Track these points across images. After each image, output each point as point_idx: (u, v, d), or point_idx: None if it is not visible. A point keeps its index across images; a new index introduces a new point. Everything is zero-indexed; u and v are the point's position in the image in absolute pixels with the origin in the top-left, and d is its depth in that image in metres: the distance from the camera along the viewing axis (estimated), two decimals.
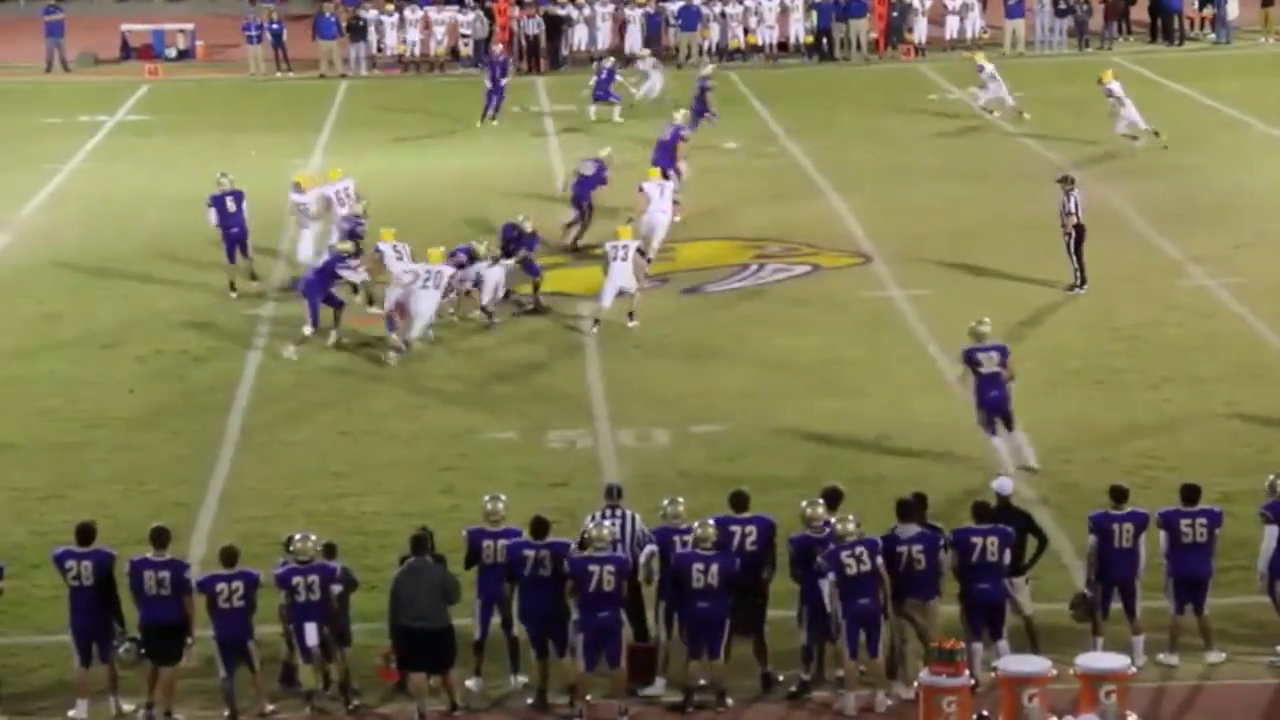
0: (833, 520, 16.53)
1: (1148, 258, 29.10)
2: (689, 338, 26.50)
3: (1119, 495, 17.03)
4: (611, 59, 42.54)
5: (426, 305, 25.84)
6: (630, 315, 26.73)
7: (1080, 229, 27.27)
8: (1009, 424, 21.04)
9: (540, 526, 16.68)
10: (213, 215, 28.67)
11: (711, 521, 16.58)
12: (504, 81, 41.76)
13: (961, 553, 16.60)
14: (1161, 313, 25.10)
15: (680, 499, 17.24)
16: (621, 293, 26.60)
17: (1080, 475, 20.90)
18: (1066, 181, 27.77)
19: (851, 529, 16.32)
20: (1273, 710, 16.27)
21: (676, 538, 16.68)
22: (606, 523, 16.73)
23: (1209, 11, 49.60)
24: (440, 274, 26.03)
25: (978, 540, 16.62)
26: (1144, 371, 23.95)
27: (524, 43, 49.05)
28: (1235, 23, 48.90)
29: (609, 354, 25.89)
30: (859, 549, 16.20)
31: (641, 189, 29.88)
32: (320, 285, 26.10)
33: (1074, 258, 27.41)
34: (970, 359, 21.15)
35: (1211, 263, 28.27)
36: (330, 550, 16.92)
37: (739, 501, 17.04)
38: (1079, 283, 27.40)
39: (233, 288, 28.73)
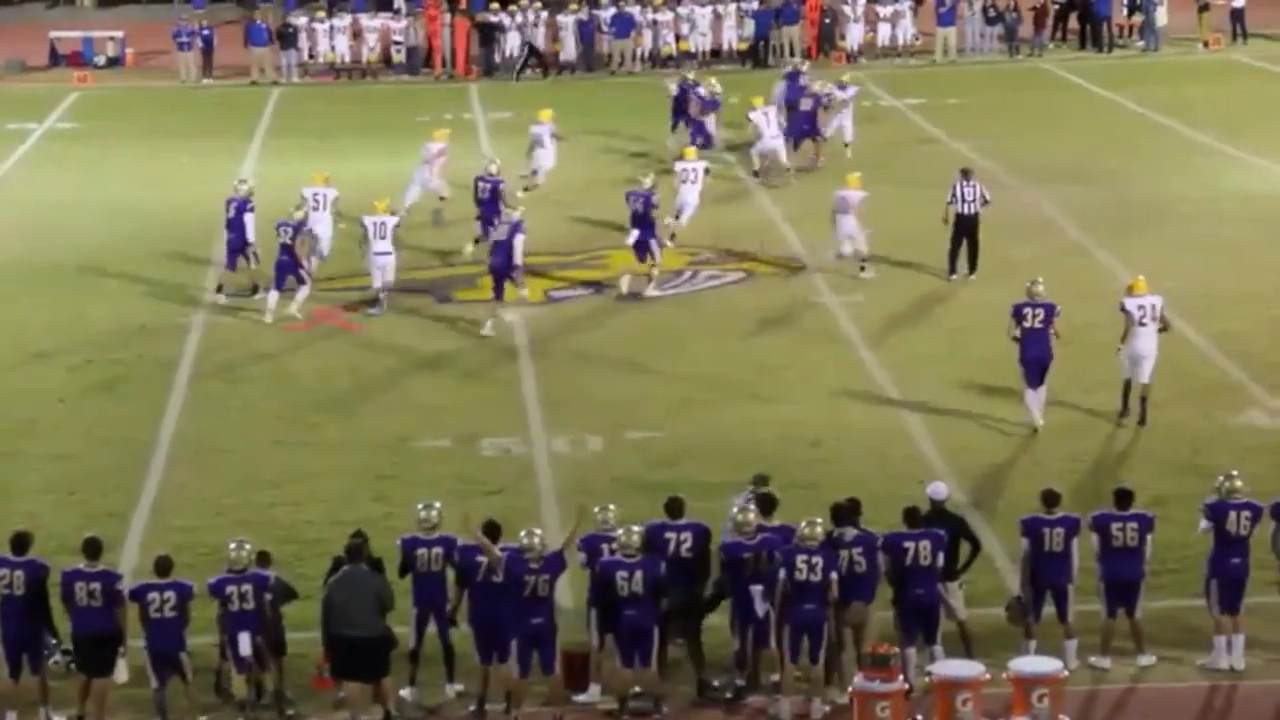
0: (798, 524, 16.51)
1: (1079, 262, 29.27)
2: (624, 344, 26.52)
3: (1050, 499, 17.14)
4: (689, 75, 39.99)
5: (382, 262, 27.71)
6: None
7: (961, 219, 28.23)
8: (1042, 378, 22.36)
9: (492, 531, 16.66)
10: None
11: (636, 529, 16.57)
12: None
13: (894, 558, 16.66)
14: (1093, 316, 25.24)
15: (611, 506, 17.24)
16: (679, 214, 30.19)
17: (1013, 479, 21.01)
18: (965, 174, 28.72)
19: (818, 533, 16.32)
20: (1203, 713, 16.39)
21: (605, 545, 16.68)
22: (538, 532, 16.70)
23: (1138, 19, 49.94)
24: (385, 224, 27.59)
25: (910, 545, 16.68)
26: (1076, 375, 24.09)
27: (451, 49, 48.99)
28: (1164, 30, 49.23)
29: (543, 360, 25.89)
30: (815, 558, 16.21)
31: (749, 118, 34.35)
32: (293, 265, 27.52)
33: (952, 246, 28.39)
34: (1018, 314, 22.49)
35: (1142, 267, 28.38)
36: (264, 559, 16.86)
37: (674, 508, 17.05)
38: (955, 270, 28.37)
39: (219, 289, 28.62)
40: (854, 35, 49.31)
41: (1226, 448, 21.61)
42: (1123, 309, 22.79)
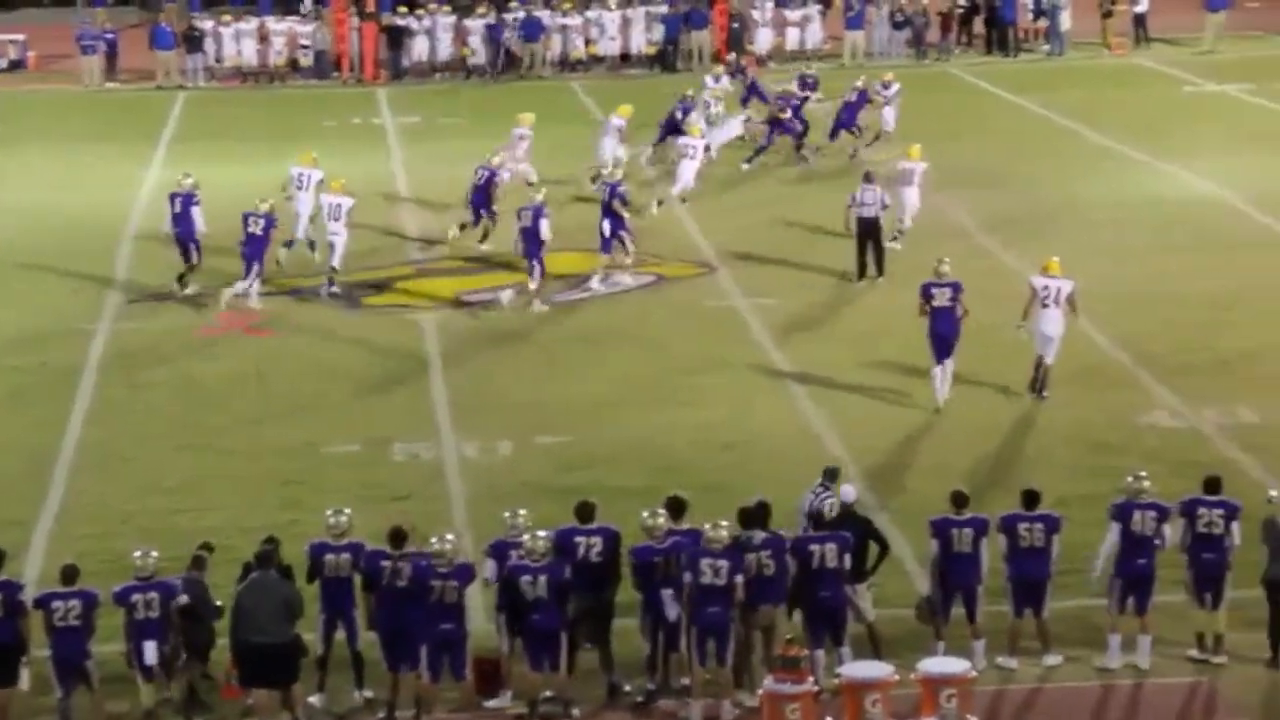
0: (703, 527, 16.50)
1: (985, 264, 29.42)
2: (535, 348, 26.46)
3: (959, 500, 17.22)
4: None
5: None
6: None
7: (862, 222, 28.41)
8: (949, 353, 23.09)
9: (398, 537, 16.56)
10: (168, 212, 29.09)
11: (542, 534, 16.53)
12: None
13: (800, 560, 16.68)
14: (1001, 318, 25.39)
15: (522, 511, 17.19)
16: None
17: (921, 481, 21.10)
18: (866, 178, 28.98)
19: (722, 536, 16.31)
20: (1109, 712, 16.50)
21: (513, 551, 16.62)
22: (450, 538, 16.63)
23: (1043, 23, 50.32)
24: (340, 206, 28.52)
25: (816, 548, 16.71)
26: (984, 377, 24.23)
27: (359, 54, 48.79)
28: (1068, 34, 49.62)
29: (453, 364, 25.80)
30: (720, 561, 16.20)
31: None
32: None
33: (859, 251, 28.55)
34: (926, 292, 23.30)
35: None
36: (199, 563, 16.78)
37: (584, 512, 17.01)
38: (864, 274, 28.56)
39: (180, 281, 28.70)
40: (762, 39, 49.42)
41: (1131, 449, 21.78)
42: (1030, 285, 23.32)
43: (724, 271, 29.82)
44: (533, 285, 28.07)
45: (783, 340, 26.36)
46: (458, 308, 28.42)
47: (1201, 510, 17.16)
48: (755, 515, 16.78)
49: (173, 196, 29.02)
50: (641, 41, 49.39)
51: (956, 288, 23.49)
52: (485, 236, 30.79)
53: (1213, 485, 17.35)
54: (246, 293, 28.05)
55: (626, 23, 49.38)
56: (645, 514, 16.85)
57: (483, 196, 30.54)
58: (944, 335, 23.30)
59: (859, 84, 37.28)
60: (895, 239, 29.75)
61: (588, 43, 49.31)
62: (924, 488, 20.69)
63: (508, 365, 25.76)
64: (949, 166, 35.82)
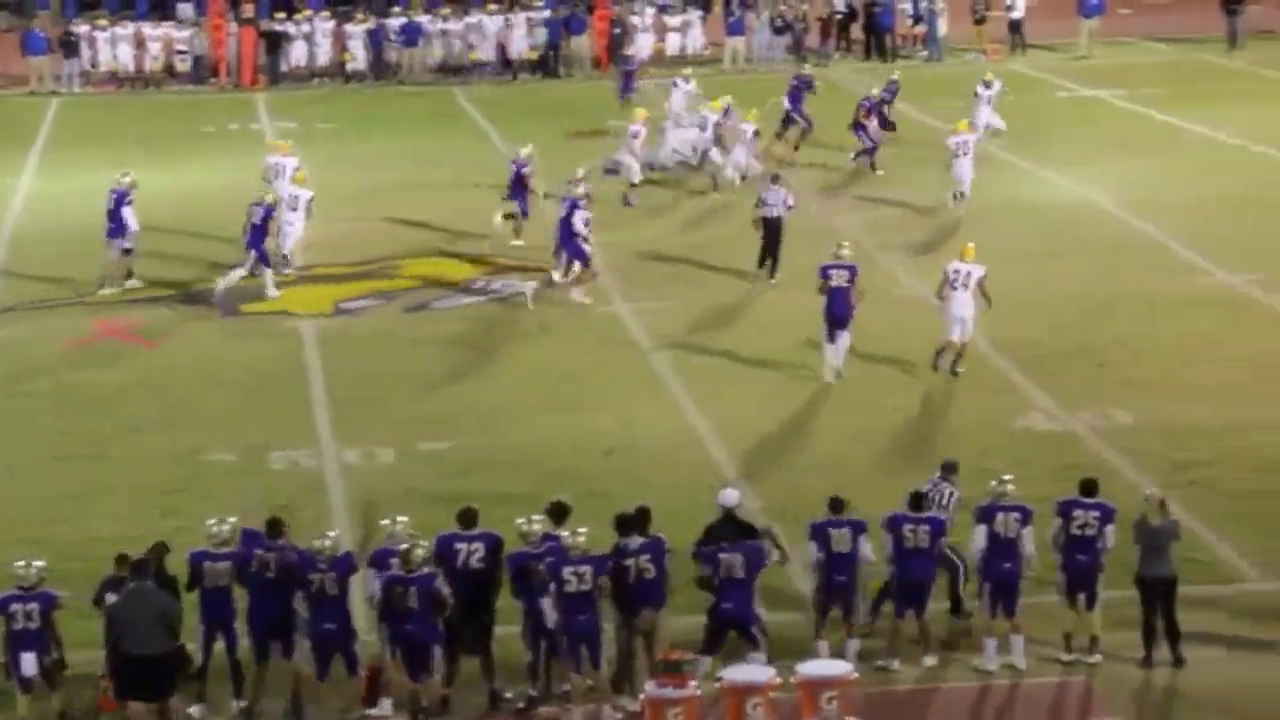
0: (561, 535, 16.56)
1: (870, 270, 29.58)
2: (415, 355, 26.38)
3: (836, 507, 17.32)
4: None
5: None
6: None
7: (767, 221, 28.87)
8: (843, 330, 24.23)
9: (274, 526, 16.53)
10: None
11: (411, 544, 16.47)
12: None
13: (714, 569, 16.73)
14: (885, 322, 25.65)
15: (402, 517, 17.14)
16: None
17: (807, 485, 21.20)
18: (773, 180, 29.63)
19: (581, 543, 16.35)
20: (985, 712, 16.66)
21: (392, 559, 16.58)
22: (331, 534, 16.59)
23: (920, 29, 50.75)
24: (299, 197, 29.56)
25: (723, 557, 16.74)
26: (870, 380, 24.45)
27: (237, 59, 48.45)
28: (946, 40, 50.09)
29: (333, 371, 25.68)
30: (582, 567, 16.24)
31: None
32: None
33: (762, 250, 28.95)
34: (824, 273, 24.37)
35: (927, 273, 28.77)
36: (158, 557, 16.62)
37: (466, 518, 16.99)
38: (762, 265, 29.03)
39: (101, 285, 28.86)
40: (643, 44, 49.54)
41: (1011, 452, 22.00)
42: (943, 269, 24.69)
43: (610, 276, 29.82)
44: (557, 277, 28.32)
45: (667, 345, 26.42)
46: (337, 315, 28.29)
47: (1077, 512, 17.36)
48: (633, 521, 16.83)
49: (110, 192, 29.30)
50: (523, 47, 49.36)
51: (854, 270, 24.58)
52: (517, 232, 31.09)
53: (1089, 487, 17.57)
54: (259, 275, 28.59)
55: (508, 28, 49.35)
56: (521, 520, 16.86)
57: (518, 189, 30.97)
58: (838, 315, 24.34)
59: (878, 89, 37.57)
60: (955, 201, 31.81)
61: (469, 47, 49.24)
62: (809, 490, 20.80)
63: (389, 372, 25.66)
64: (833, 172, 36.12)
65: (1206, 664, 17.16)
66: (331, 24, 49.21)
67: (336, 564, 16.23)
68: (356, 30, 48.89)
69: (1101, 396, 23.90)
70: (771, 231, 29.02)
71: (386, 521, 17.08)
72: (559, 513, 17.09)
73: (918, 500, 17.43)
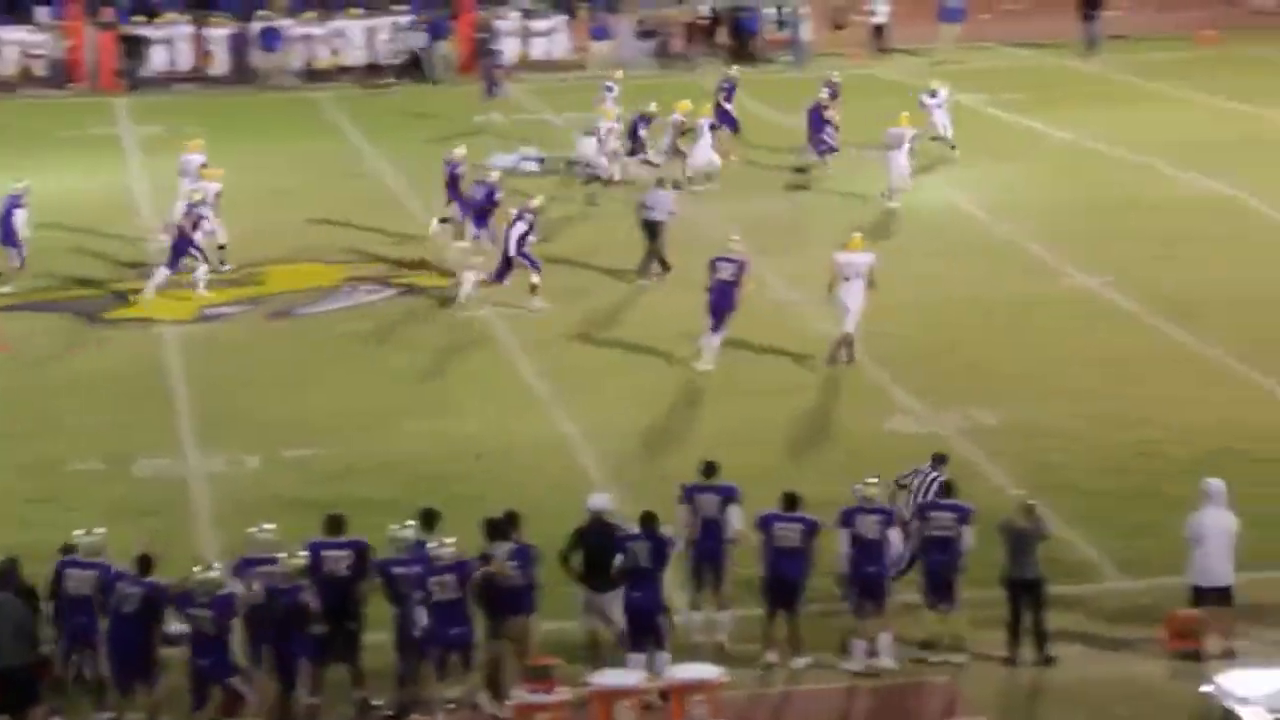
0: (429, 543, 16.51)
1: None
2: (280, 362, 26.22)
3: (708, 469, 17.38)
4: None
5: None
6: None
7: (649, 225, 29.25)
8: (723, 324, 24.83)
9: (144, 562, 16.33)
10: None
11: (301, 553, 16.37)
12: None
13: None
14: (751, 327, 25.79)
15: (270, 525, 17.02)
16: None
17: (673, 488, 21.24)
18: (658, 183, 30.19)
19: (446, 554, 16.29)
20: (856, 713, 16.79)
21: (261, 569, 16.44)
22: (217, 567, 16.42)
23: (784, 34, 51.03)
24: (207, 190, 29.48)
25: (630, 545, 16.86)
26: (737, 381, 24.57)
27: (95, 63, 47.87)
28: (810, 45, 50.38)
29: (198, 378, 25.46)
30: (448, 575, 16.19)
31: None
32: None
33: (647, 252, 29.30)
34: (714, 265, 25.18)
35: (803, 277, 28.91)
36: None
37: (334, 525, 16.91)
38: (662, 274, 29.25)
39: None
40: (509, 49, 49.46)
41: (879, 452, 22.18)
42: (833, 260, 25.24)
43: (472, 280, 29.72)
44: (479, 278, 28.23)
45: (535, 350, 26.42)
46: (202, 322, 28.05)
47: (934, 514, 17.54)
48: (500, 527, 16.82)
49: (6, 196, 29.56)
50: (387, 51, 49.12)
51: (742, 265, 25.15)
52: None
53: (946, 489, 17.76)
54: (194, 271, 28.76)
55: (372, 32, 49.10)
56: (394, 526, 16.80)
57: (453, 191, 30.83)
58: (724, 307, 24.94)
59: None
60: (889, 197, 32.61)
61: (333, 53, 48.95)
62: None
63: (254, 378, 25.48)
64: (707, 178, 36.18)
65: (1070, 662, 17.40)
66: (190, 29, 48.71)
67: (215, 603, 15.99)
68: (218, 34, 48.45)
69: (965, 398, 24.17)
70: (653, 235, 29.16)
71: (255, 530, 16.94)
72: (429, 519, 17.04)
73: (791, 501, 17.52)
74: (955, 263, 30.28)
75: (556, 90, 46.67)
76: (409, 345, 26.87)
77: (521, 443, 22.91)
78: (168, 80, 48.19)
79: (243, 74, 48.27)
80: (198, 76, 48.33)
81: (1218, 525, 17.36)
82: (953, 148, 37.19)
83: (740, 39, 50.55)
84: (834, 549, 17.43)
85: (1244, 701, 14.60)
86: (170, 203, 31.04)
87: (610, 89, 38.44)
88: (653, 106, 36.34)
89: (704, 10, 51.22)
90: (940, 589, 17.43)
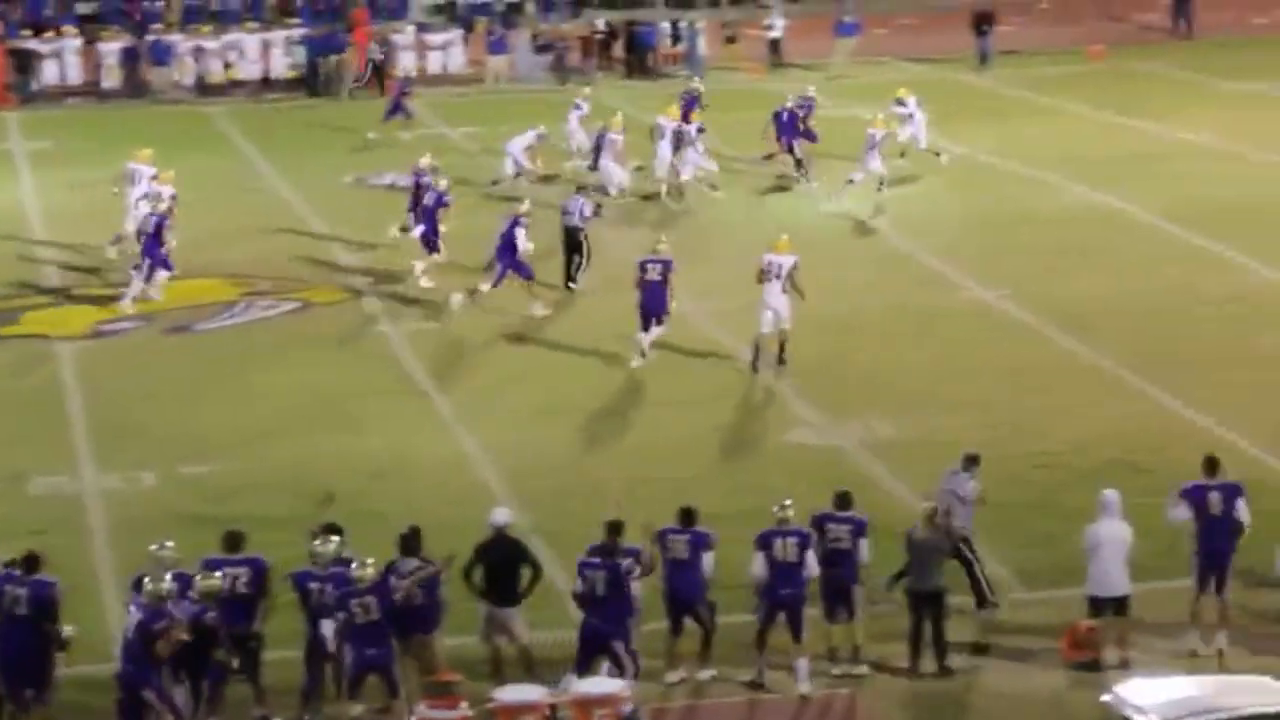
0: (350, 564, 16.34)
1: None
2: (176, 378, 26.00)
3: (614, 530, 17.28)
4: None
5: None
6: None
7: (566, 230, 29.61)
8: (658, 322, 25.68)
9: (30, 561, 16.13)
10: None
11: (216, 575, 16.22)
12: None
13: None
14: (666, 338, 25.92)
15: (169, 542, 16.84)
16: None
17: (575, 504, 21.23)
18: (578, 189, 30.72)
19: (369, 574, 16.13)
20: None
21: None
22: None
23: (681, 48, 51.18)
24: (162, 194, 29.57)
25: (588, 573, 16.73)
26: (638, 398, 24.59)
27: None
28: (706, 59, 50.54)
29: (93, 394, 25.19)
30: (369, 598, 16.07)
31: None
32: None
33: (565, 259, 29.62)
34: (640, 267, 25.86)
35: (706, 290, 28.91)
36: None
37: (231, 542, 16.77)
38: (573, 281, 29.55)
39: None
40: (405, 63, 49.33)
41: (780, 465, 22.27)
42: (758, 261, 25.71)
43: (372, 297, 29.65)
44: (485, 288, 28.12)
45: (434, 365, 26.32)
46: (97, 337, 27.78)
47: (830, 526, 17.58)
48: (408, 542, 16.76)
49: None
50: (282, 65, 48.87)
51: (668, 265, 25.76)
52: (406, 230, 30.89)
53: (842, 501, 17.78)
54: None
55: (266, 46, 48.82)
56: (317, 541, 16.65)
57: (417, 199, 30.68)
58: (653, 308, 25.61)
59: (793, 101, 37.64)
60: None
61: (227, 66, 48.63)
62: (580, 510, 20.86)
63: (150, 394, 25.25)
64: (600, 189, 36.16)
65: (970, 673, 17.50)
66: (79, 43, 48.26)
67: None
68: (110, 48, 48.02)
69: (866, 409, 24.28)
70: (571, 240, 29.41)
71: (154, 547, 16.75)
72: (331, 534, 16.91)
73: (687, 515, 17.49)
74: (854, 275, 30.42)
75: (453, 104, 46.59)
76: (306, 361, 26.70)
77: (423, 458, 22.81)
78: (59, 95, 47.71)
79: (135, 88, 47.85)
80: (89, 91, 47.87)
81: (1113, 536, 17.53)
82: (937, 154, 37.51)
83: (637, 53, 50.65)
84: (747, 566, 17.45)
85: (1142, 711, 14.74)
86: (125, 214, 31.15)
87: (579, 108, 38.29)
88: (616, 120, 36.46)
89: (600, 24, 51.31)
90: (838, 601, 17.47)
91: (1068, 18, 57.25)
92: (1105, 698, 15.37)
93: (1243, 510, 17.77)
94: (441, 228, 29.61)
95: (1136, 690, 15.17)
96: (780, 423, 24.02)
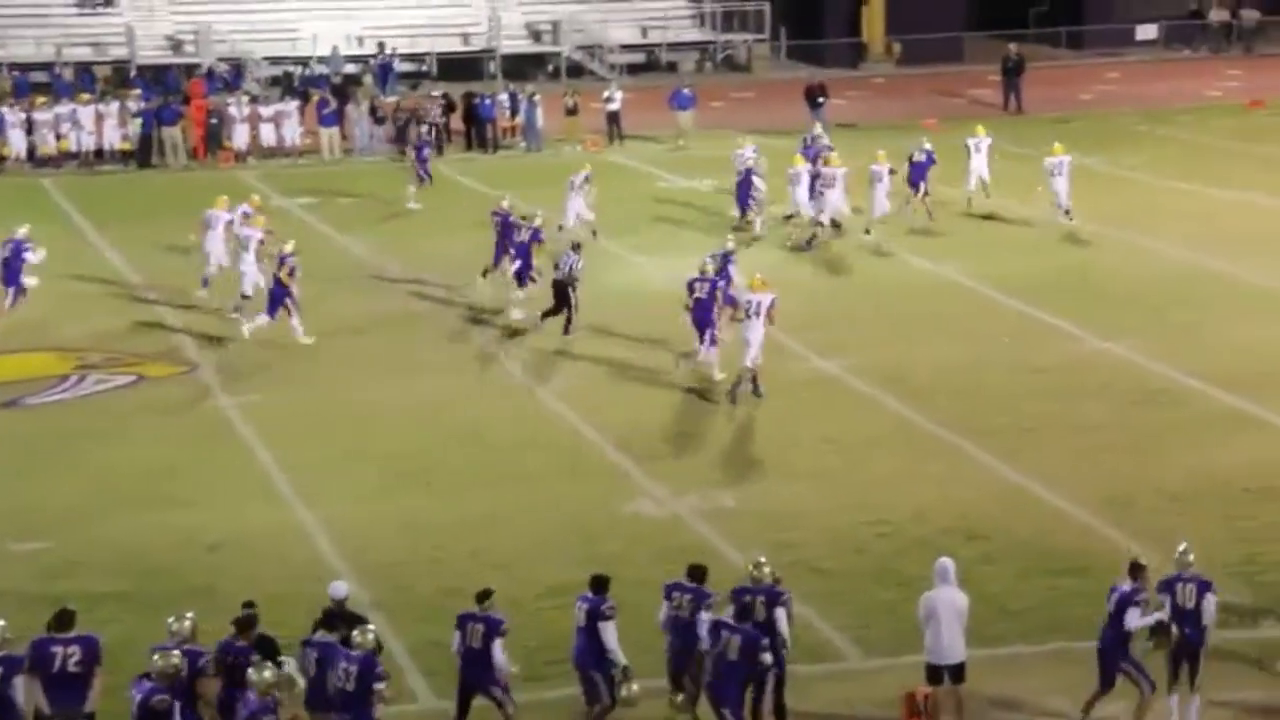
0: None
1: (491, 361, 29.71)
2: (7, 453, 25.53)
3: (483, 597, 17.12)
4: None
5: None
6: None
7: (555, 284, 30.57)
8: (712, 340, 27.76)
9: None
10: None
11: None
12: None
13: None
14: (493, 410, 25.80)
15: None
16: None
17: (415, 576, 21.09)
18: (574, 247, 31.71)
19: (267, 678, 15.63)
20: None
21: None
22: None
23: (519, 120, 51.28)
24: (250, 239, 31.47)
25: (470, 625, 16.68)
26: (480, 468, 24.51)
27: None
28: (544, 131, 50.66)
29: None
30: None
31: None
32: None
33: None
34: (689, 286, 28.08)
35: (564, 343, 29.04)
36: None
37: (61, 621, 16.45)
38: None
39: None
40: (240, 136, 49.02)
41: (620, 536, 22.24)
42: (738, 299, 27.76)
43: (206, 369, 29.34)
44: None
45: (269, 438, 26.05)
46: None
47: (675, 594, 17.59)
48: (247, 623, 16.57)
49: (4, 242, 31.62)
50: (116, 137, 48.35)
51: (714, 283, 27.93)
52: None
53: (695, 573, 17.75)
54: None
55: (100, 117, 48.30)
56: (170, 619, 16.37)
57: (504, 240, 32.66)
58: (701, 320, 27.82)
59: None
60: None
61: (59, 138, 48.03)
62: (416, 581, 20.72)
63: None
64: (416, 260, 36.09)
65: None
66: None
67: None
68: None
69: (705, 480, 24.34)
70: (559, 294, 30.51)
71: None
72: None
73: (482, 596, 17.27)
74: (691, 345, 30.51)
75: (288, 175, 46.37)
76: (140, 435, 26.34)
77: (257, 532, 22.55)
78: None
79: None
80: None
81: (949, 603, 17.64)
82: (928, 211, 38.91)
83: (476, 124, 50.68)
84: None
85: None
86: (206, 260, 33.37)
87: (576, 182, 38.22)
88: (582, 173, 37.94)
89: (438, 96, 51.30)
90: (682, 668, 17.46)
91: (899, 92, 58.08)
92: None
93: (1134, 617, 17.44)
94: (535, 261, 31.75)
95: None
96: (620, 493, 23.96)
